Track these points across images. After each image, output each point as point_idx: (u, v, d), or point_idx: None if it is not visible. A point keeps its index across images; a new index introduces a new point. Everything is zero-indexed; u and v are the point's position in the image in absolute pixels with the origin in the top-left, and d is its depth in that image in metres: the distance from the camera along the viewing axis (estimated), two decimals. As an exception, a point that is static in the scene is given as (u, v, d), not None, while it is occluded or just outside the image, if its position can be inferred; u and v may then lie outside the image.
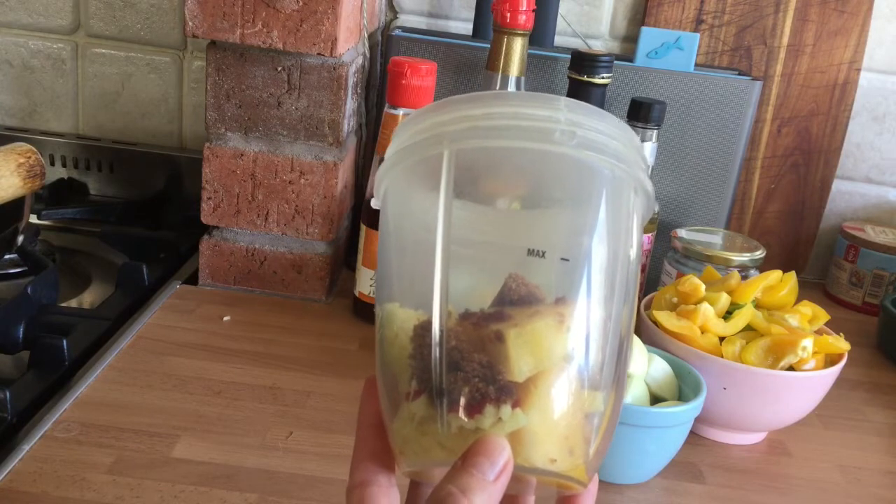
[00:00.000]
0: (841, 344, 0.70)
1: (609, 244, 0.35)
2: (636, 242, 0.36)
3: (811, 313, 0.73)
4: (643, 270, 0.87)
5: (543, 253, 0.34)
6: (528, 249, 0.34)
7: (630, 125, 0.83)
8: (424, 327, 0.34)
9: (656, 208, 0.86)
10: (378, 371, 0.37)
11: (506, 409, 0.33)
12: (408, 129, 0.37)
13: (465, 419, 0.33)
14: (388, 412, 0.36)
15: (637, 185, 0.36)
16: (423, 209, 0.36)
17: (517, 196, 0.37)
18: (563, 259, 0.35)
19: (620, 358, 0.35)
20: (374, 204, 0.40)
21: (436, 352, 0.34)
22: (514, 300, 0.34)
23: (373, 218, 0.82)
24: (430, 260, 0.34)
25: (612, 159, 0.35)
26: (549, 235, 0.36)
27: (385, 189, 0.38)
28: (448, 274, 0.34)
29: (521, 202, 0.38)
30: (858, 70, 1.04)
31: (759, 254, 0.84)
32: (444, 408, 0.33)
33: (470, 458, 0.32)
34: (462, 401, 0.33)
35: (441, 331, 0.34)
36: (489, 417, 0.33)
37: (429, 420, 0.34)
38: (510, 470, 0.32)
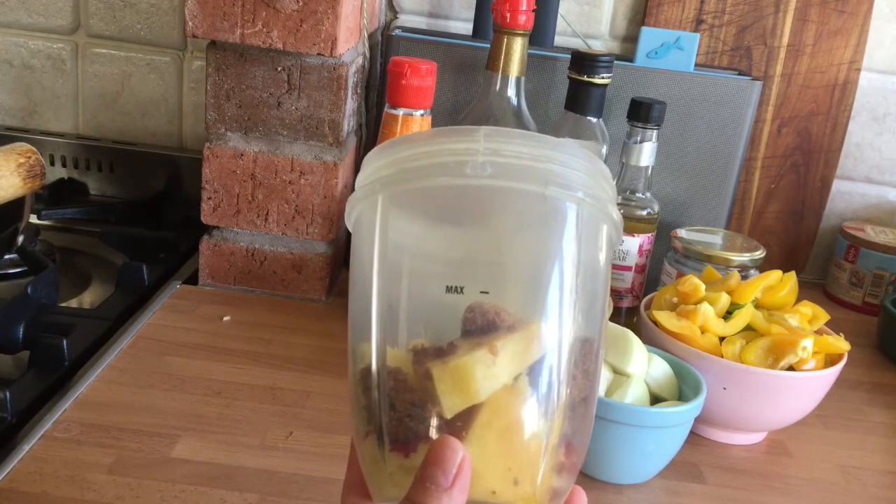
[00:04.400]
0: (841, 344, 0.70)
1: (555, 267, 0.35)
2: (585, 260, 0.35)
3: (811, 313, 0.73)
4: (642, 271, 0.87)
5: (462, 289, 0.34)
6: (447, 287, 0.34)
7: (630, 125, 0.84)
8: (369, 368, 0.35)
9: (656, 208, 0.86)
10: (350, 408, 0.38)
11: None
12: (362, 171, 0.38)
13: (403, 458, 0.34)
14: (356, 447, 0.37)
15: (575, 201, 0.35)
16: (370, 252, 0.36)
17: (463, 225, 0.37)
18: (482, 292, 0.34)
19: (575, 382, 0.35)
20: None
21: (374, 393, 0.35)
22: (472, 331, 0.34)
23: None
24: (369, 303, 0.35)
25: (531, 184, 0.34)
26: (494, 262, 0.36)
27: (352, 225, 0.39)
28: (386, 317, 0.35)
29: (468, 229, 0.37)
30: (858, 70, 1.04)
31: (759, 254, 0.84)
32: (385, 448, 0.34)
33: (422, 470, 0.32)
34: (398, 440, 0.34)
35: (378, 373, 0.35)
36: (423, 455, 0.33)
37: (378, 459, 0.35)
38: (467, 468, 0.32)
